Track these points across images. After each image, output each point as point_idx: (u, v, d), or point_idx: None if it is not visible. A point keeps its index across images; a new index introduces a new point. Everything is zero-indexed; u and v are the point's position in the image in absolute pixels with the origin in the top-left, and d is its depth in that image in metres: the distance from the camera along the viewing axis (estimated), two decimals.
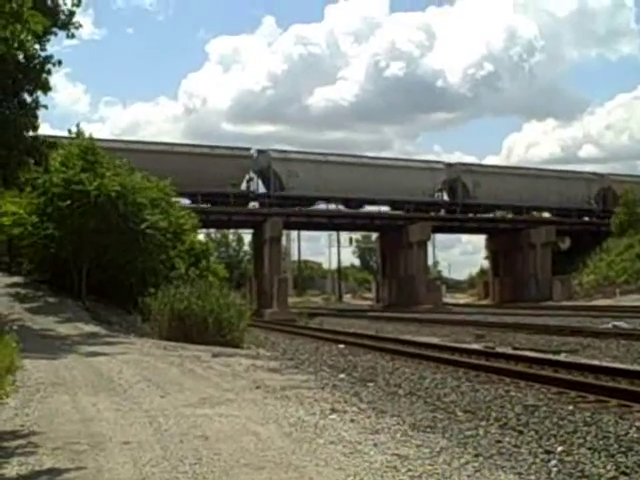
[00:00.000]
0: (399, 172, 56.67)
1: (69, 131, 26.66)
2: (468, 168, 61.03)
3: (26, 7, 15.24)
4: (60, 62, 19.18)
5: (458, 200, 58.67)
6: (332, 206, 56.89)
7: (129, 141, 51.96)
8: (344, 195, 54.83)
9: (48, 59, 18.81)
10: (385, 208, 58.76)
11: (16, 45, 15.63)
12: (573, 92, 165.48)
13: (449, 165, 60.86)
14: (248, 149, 55.14)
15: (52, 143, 21.65)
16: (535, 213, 63.42)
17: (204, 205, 49.63)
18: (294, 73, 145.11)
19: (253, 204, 54.73)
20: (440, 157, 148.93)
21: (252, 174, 54.01)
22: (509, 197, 58.53)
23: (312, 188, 53.24)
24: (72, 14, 19.21)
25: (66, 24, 19.28)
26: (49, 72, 18.88)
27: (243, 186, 53.40)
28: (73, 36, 19.60)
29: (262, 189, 54.57)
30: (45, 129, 21.60)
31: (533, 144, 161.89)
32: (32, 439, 6.80)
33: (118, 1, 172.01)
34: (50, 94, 19.78)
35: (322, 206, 56.61)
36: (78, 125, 26.65)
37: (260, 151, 54.85)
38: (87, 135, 26.23)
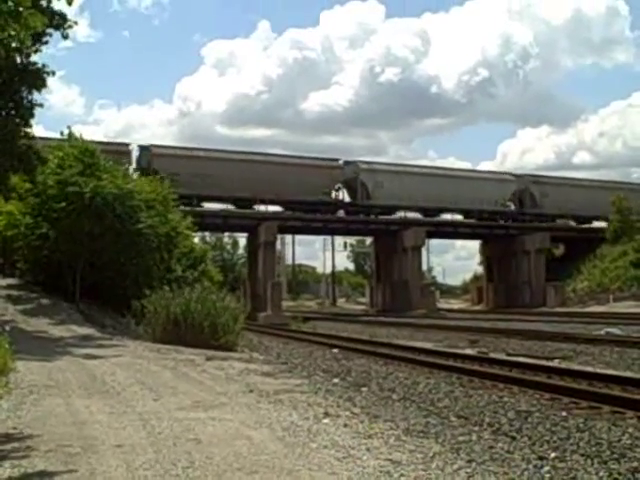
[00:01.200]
0: (474, 183, 58.76)
1: (61, 133, 26.56)
2: (536, 179, 62.43)
3: (25, 6, 15.20)
4: (54, 73, 19.25)
5: (526, 209, 60.47)
6: (411, 214, 58.67)
7: (228, 151, 54.44)
8: (423, 204, 56.92)
9: (45, 67, 18.86)
10: (459, 217, 60.68)
11: (14, 45, 15.61)
12: (567, 99, 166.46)
13: (518, 176, 62.38)
14: (337, 160, 56.87)
15: (45, 159, 21.75)
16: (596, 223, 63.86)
17: (200, 208, 49.99)
18: (289, 77, 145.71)
19: (341, 212, 56.54)
20: (435, 162, 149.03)
21: (340, 184, 55.64)
22: (572, 207, 59.71)
23: (395, 198, 55.07)
24: (64, 17, 19.20)
25: (61, 24, 19.28)
26: (45, 79, 18.92)
27: (332, 195, 55.38)
28: (67, 36, 19.62)
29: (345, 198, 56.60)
30: (39, 131, 21.54)
31: (527, 150, 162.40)
32: (25, 442, 6.78)
33: (114, 4, 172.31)
34: (45, 96, 19.88)
35: (400, 214, 58.00)
36: (69, 128, 26.45)
37: (347, 162, 56.64)
38: (79, 138, 26.01)
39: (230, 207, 53.17)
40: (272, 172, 50.56)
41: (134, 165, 47.95)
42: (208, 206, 52.67)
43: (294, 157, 57.23)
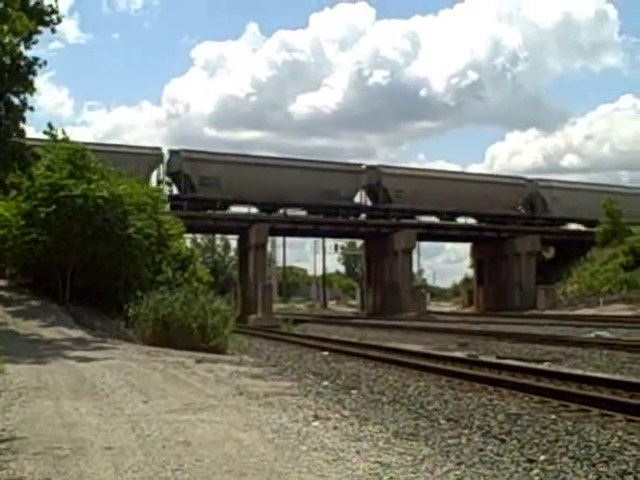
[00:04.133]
0: (488, 187, 59.28)
1: (45, 132, 26.19)
2: (547, 184, 62.89)
3: (13, 8, 15.21)
4: (46, 62, 19.16)
5: (537, 213, 61.14)
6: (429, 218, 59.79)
7: (251, 156, 57.25)
8: (439, 208, 57.49)
9: (35, 60, 18.79)
10: (472, 220, 61.31)
11: (1, 47, 15.62)
12: (555, 103, 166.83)
13: (529, 181, 62.90)
14: (359, 165, 58.00)
15: (39, 154, 21.66)
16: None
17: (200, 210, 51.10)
18: (278, 80, 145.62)
19: (363, 216, 57.70)
20: (424, 165, 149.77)
21: (362, 188, 56.54)
22: (582, 211, 59.97)
23: (413, 201, 56.04)
24: (53, 10, 19.14)
25: (49, 21, 19.23)
26: (35, 73, 18.84)
27: (357, 199, 56.65)
28: (54, 31, 19.54)
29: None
30: (29, 132, 21.39)
31: (516, 153, 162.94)
32: (13, 444, 6.75)
33: (104, 6, 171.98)
34: (34, 97, 19.73)
35: (239, 209, 56.42)
36: (49, 125, 26.05)
37: (370, 167, 57.44)
38: (61, 136, 25.74)
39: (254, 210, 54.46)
40: (294, 177, 52.42)
41: (165, 169, 50.26)
42: (235, 210, 54.59)
43: (319, 162, 58.14)
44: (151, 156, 49.52)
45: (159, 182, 48.59)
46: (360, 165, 58.03)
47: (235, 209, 54.53)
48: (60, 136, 25.65)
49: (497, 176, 67.35)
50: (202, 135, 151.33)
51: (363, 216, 57.76)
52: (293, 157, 61.64)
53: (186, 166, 49.77)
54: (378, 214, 57.05)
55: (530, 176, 67.18)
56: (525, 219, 61.60)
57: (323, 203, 54.06)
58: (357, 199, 56.87)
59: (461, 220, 61.27)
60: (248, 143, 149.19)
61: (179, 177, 50.33)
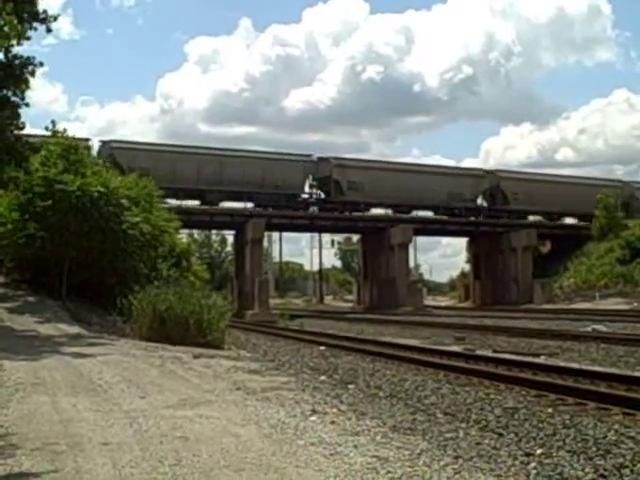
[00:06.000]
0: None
1: (46, 128, 26.21)
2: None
3: (5, 12, 15.19)
4: (42, 64, 19.13)
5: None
6: (383, 211, 59.42)
7: (389, 162, 59.45)
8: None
9: (31, 60, 18.75)
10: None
11: None
12: (549, 97, 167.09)
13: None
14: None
15: (37, 147, 21.57)
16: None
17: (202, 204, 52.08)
18: (272, 75, 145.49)
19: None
20: (420, 160, 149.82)
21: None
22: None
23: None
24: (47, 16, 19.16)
25: (44, 18, 19.20)
26: (33, 73, 18.82)
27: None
28: (50, 30, 19.55)
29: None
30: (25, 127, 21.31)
31: (510, 147, 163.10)
32: (10, 440, 6.75)
33: (97, 3, 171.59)
34: (27, 93, 19.65)
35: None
36: (54, 123, 26.02)
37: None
38: (65, 133, 25.72)
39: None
40: (429, 181, 56.22)
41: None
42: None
43: (445, 167, 61.17)
44: (306, 163, 55.27)
45: (310, 187, 56.35)
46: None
47: (231, 204, 54.90)
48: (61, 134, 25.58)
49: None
50: (196, 131, 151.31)
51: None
52: (423, 163, 69.22)
53: (336, 172, 55.04)
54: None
55: (527, 170, 67.51)
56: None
57: (450, 205, 58.40)
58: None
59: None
60: (241, 138, 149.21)
61: (328, 182, 55.23)
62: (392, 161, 68.98)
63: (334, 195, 55.42)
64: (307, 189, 56.56)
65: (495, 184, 59.93)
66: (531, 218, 62.93)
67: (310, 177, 55.73)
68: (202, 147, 57.11)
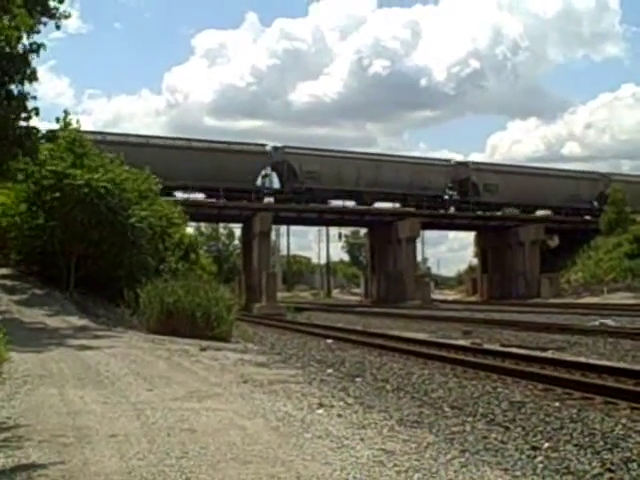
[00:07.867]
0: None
1: (57, 120, 26.17)
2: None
3: (15, 4, 15.16)
4: (43, 45, 18.99)
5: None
6: (343, 202, 58.40)
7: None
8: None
9: (32, 46, 18.66)
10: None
11: (2, 38, 15.55)
12: (556, 91, 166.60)
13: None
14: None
15: (50, 136, 21.55)
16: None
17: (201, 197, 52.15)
18: (278, 68, 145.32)
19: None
20: (426, 154, 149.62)
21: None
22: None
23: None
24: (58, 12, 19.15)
25: (54, 14, 19.18)
26: (37, 51, 18.69)
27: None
28: (59, 27, 19.56)
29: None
30: (33, 120, 21.28)
31: (517, 142, 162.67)
32: (18, 431, 6.78)
33: None
34: (34, 86, 19.59)
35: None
36: (66, 113, 25.92)
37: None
38: (75, 125, 25.73)
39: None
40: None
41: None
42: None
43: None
44: (448, 167, 60.13)
45: (449, 188, 60.53)
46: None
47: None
48: (74, 125, 25.57)
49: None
50: (202, 124, 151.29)
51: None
52: (547, 167, 71.41)
53: (474, 175, 59.37)
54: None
55: (534, 164, 67.68)
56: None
57: (570, 206, 61.56)
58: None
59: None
60: (248, 132, 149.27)
61: (466, 184, 59.42)
62: (521, 165, 72.82)
63: (471, 196, 59.21)
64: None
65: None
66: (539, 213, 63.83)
67: (449, 180, 59.73)
68: (361, 152, 62.27)
